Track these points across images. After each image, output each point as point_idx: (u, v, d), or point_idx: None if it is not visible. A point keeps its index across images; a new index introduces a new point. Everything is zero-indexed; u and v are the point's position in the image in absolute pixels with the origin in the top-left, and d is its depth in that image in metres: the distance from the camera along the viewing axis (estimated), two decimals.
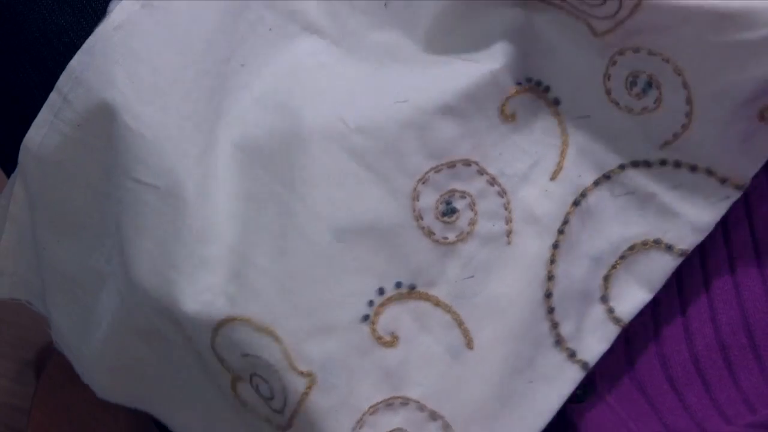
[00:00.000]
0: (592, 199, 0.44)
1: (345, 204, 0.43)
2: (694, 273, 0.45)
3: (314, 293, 0.42)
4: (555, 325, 0.43)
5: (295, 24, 0.47)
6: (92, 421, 0.62)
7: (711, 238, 0.45)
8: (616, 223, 0.44)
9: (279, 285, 0.42)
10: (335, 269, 0.42)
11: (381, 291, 0.42)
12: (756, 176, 0.43)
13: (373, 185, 0.43)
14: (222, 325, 0.42)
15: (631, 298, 0.43)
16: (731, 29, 0.42)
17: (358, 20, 0.46)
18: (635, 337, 0.45)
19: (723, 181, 0.43)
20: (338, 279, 0.42)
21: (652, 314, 0.45)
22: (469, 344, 0.42)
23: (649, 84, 0.44)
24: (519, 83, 0.44)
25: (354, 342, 0.42)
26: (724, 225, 0.45)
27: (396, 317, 0.42)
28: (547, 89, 0.44)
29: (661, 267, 0.43)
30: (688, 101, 0.43)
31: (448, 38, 0.45)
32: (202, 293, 0.43)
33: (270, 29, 0.46)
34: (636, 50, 0.44)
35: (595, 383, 0.45)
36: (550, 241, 0.43)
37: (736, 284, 0.44)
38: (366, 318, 0.42)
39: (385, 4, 0.45)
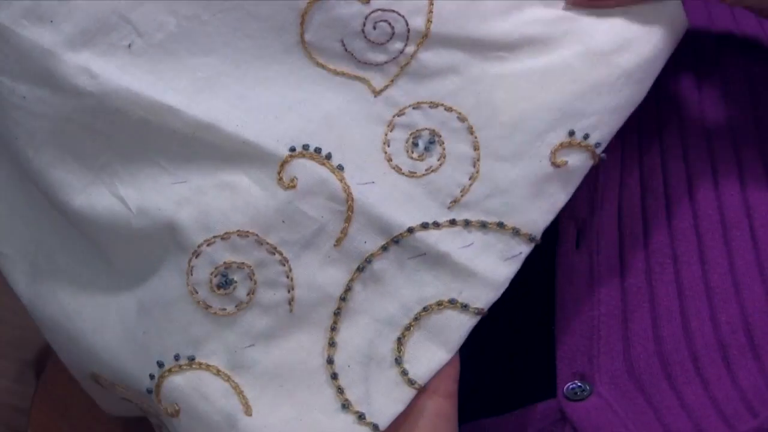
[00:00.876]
0: (380, 264, 0.44)
1: (145, 280, 0.45)
2: (694, 272, 0.45)
3: (118, 368, 0.46)
4: (341, 390, 0.44)
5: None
6: (92, 421, 0.62)
7: (710, 237, 0.45)
8: (408, 286, 0.44)
9: (102, 355, 0.47)
10: (129, 344, 0.45)
11: (160, 364, 0.44)
12: (759, 184, 0.43)
13: (159, 262, 0.44)
14: (93, 376, 0.48)
15: (427, 359, 0.44)
16: (515, 58, 0.45)
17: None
18: (634, 336, 0.45)
19: (516, 233, 0.44)
20: (133, 353, 0.45)
21: (651, 313, 0.45)
22: (248, 411, 0.43)
23: (431, 141, 0.45)
24: (293, 149, 0.44)
25: (152, 410, 0.45)
26: (723, 225, 0.45)
27: (176, 388, 0.43)
28: (329, 156, 0.44)
29: (457, 327, 0.44)
30: (475, 147, 0.45)
31: (210, 102, 0.45)
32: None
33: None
34: (416, 107, 0.45)
35: (594, 382, 0.45)
36: (332, 308, 0.44)
37: (736, 283, 0.44)
38: (150, 391, 0.44)
39: (129, 46, 0.44)
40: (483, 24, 0.45)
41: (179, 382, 0.43)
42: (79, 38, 0.44)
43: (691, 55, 0.49)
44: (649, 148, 0.48)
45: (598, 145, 0.45)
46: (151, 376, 0.44)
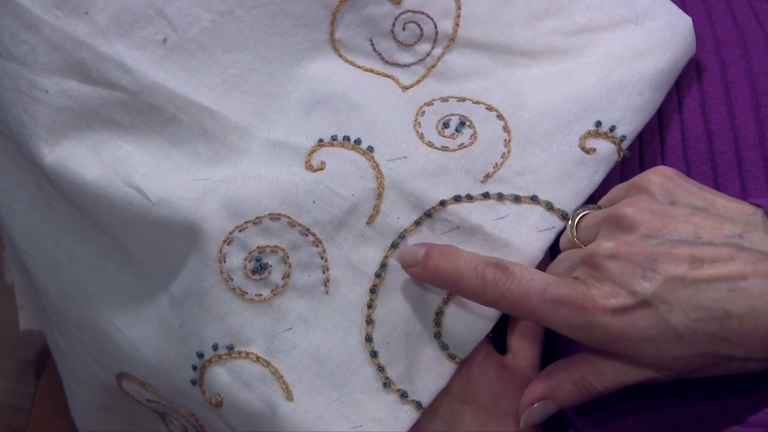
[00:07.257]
0: (414, 239, 0.44)
1: (171, 271, 0.44)
2: None
3: (159, 360, 0.45)
4: (381, 369, 0.43)
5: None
6: None
7: None
8: None
9: (140, 348, 0.46)
10: (168, 336, 0.44)
11: (200, 355, 0.43)
12: (761, 191, 0.44)
13: (184, 253, 0.44)
14: (119, 377, 0.48)
15: (466, 332, 0.44)
16: (538, 67, 0.46)
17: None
18: None
19: (549, 206, 0.44)
20: (173, 345, 0.44)
21: None
22: (288, 396, 0.43)
23: (462, 123, 0.45)
24: (321, 140, 0.45)
25: (197, 402, 0.45)
26: None
27: (217, 379, 0.43)
28: (358, 141, 0.44)
29: None
30: (506, 129, 0.45)
31: (243, 101, 0.45)
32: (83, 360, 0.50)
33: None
34: (445, 100, 0.46)
35: None
36: (368, 286, 0.44)
37: None
38: (195, 382, 0.44)
39: (164, 40, 0.44)
40: (507, 30, 0.46)
41: (220, 372, 0.43)
42: (113, 30, 0.43)
43: (691, 57, 0.49)
44: (649, 147, 0.48)
45: (623, 139, 0.45)
46: (194, 368, 0.43)
